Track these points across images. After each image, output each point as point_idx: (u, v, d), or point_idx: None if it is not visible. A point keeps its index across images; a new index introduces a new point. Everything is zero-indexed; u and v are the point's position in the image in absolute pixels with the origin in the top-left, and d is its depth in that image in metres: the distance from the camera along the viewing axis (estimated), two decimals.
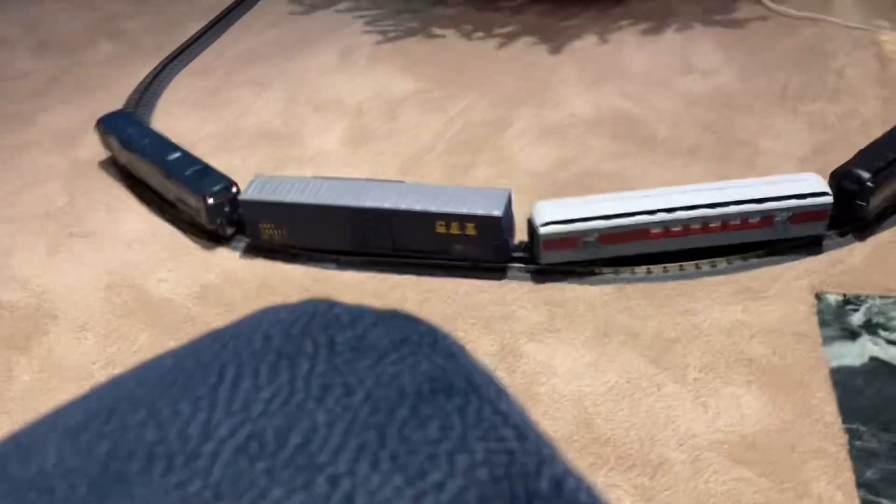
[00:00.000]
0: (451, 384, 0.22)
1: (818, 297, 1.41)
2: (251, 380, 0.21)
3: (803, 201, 1.46)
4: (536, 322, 1.43)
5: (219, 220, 1.65)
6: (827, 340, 1.33)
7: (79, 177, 1.98)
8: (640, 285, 1.48)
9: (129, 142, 1.86)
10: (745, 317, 1.39)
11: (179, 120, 2.19)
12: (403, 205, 1.51)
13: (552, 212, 1.49)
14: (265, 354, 0.22)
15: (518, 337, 1.40)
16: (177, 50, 2.54)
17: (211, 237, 1.70)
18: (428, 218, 1.50)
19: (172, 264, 1.65)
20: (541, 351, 1.37)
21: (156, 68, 2.45)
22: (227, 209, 1.65)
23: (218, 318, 1.50)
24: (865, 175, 1.47)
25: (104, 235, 1.76)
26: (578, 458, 1.18)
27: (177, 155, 1.77)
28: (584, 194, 1.73)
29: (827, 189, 1.48)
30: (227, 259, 1.65)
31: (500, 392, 0.24)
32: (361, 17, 2.67)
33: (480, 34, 2.47)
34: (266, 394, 0.20)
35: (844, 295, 1.41)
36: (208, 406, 0.20)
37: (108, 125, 1.96)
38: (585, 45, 2.34)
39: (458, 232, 1.50)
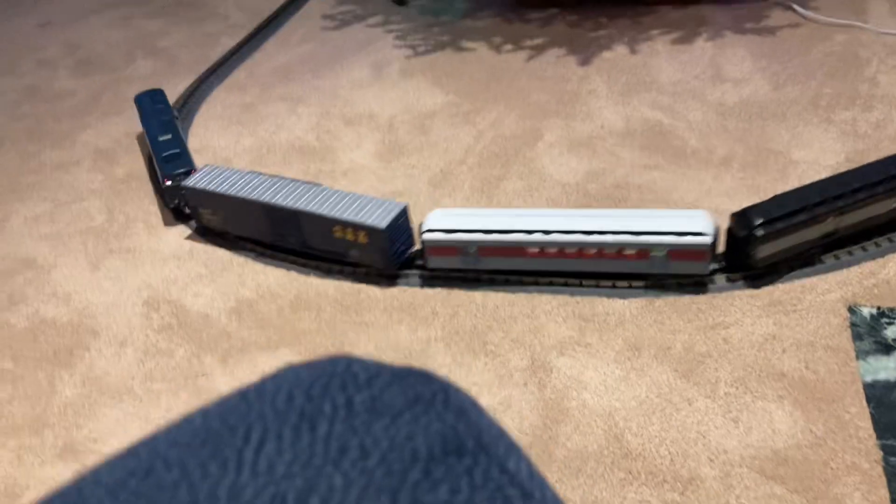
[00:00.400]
0: (461, 444, 0.24)
1: (851, 309, 1.40)
2: (275, 442, 0.23)
3: (679, 239, 1.44)
4: (566, 336, 1.44)
5: (176, 201, 1.85)
6: (861, 354, 1.32)
7: (117, 194, 2.03)
8: (670, 299, 1.48)
9: (147, 121, 2.06)
10: (777, 330, 1.38)
11: (216, 135, 2.23)
12: (310, 207, 1.60)
13: (440, 221, 1.56)
14: (288, 416, 0.24)
15: (548, 351, 1.41)
16: (213, 66, 2.60)
17: (175, 215, 1.89)
18: (328, 222, 1.59)
19: (209, 279, 1.69)
20: (571, 365, 1.38)
21: (193, 84, 2.50)
22: (183, 192, 1.80)
23: (253, 334, 1.53)
24: (757, 221, 1.42)
25: (142, 251, 1.80)
26: (609, 473, 1.19)
27: (167, 136, 1.95)
28: (616, 206, 1.74)
29: (709, 230, 1.44)
30: (262, 273, 1.68)
31: (510, 449, 0.26)
32: (392, 31, 2.70)
33: (510, 46, 2.48)
34: (288, 456, 0.22)
35: (878, 307, 1.40)
36: (235, 468, 0.22)
37: (140, 102, 2.18)
38: (615, 56, 2.34)
39: (353, 238, 1.58)
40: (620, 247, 1.47)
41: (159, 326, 1.59)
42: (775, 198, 1.47)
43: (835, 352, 1.33)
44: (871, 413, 1.22)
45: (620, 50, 2.37)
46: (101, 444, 1.35)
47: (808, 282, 1.47)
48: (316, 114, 2.27)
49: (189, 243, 1.81)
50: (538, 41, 2.50)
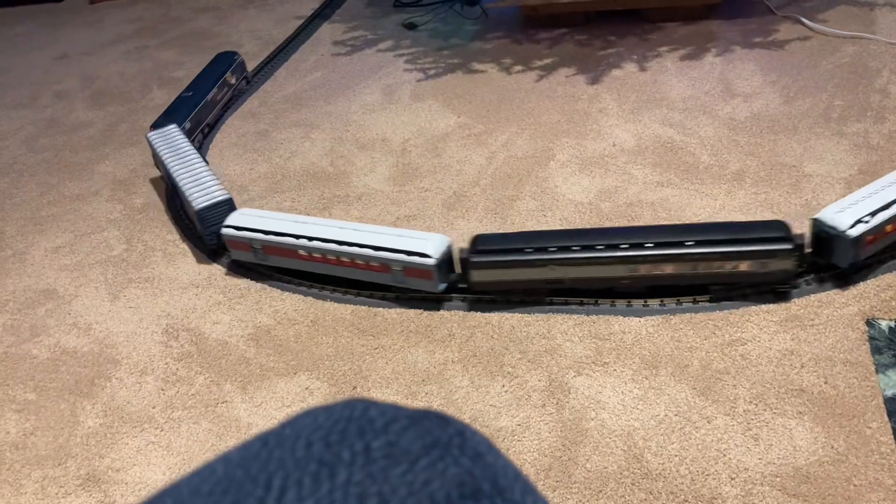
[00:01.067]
0: (478, 488, 0.24)
1: (869, 323, 1.39)
2: (295, 491, 0.24)
3: (408, 258, 1.57)
4: (583, 355, 1.44)
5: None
6: (880, 368, 1.31)
7: (135, 223, 2.06)
8: (686, 315, 1.48)
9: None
10: (795, 345, 1.37)
11: (231, 163, 2.26)
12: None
13: (241, 219, 1.76)
14: (307, 463, 0.25)
15: (566, 371, 1.41)
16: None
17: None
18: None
19: (227, 307, 1.70)
20: (589, 385, 1.38)
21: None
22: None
23: (271, 360, 1.54)
24: (477, 247, 1.56)
25: (161, 280, 1.82)
26: (629, 494, 1.19)
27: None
28: (630, 225, 1.75)
29: (436, 253, 1.56)
30: (279, 299, 1.70)
31: (526, 491, 0.26)
32: (402, 55, 2.73)
33: (519, 67, 2.50)
34: None
35: None
36: None
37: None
38: (625, 74, 2.35)
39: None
40: (366, 259, 1.62)
41: (179, 355, 1.60)
42: (520, 234, 1.61)
43: (854, 366, 1.32)
44: (892, 428, 1.22)
45: (630, 68, 2.39)
46: (123, 473, 1.37)
47: (824, 296, 1.46)
48: (329, 139, 2.30)
49: (207, 271, 1.83)
50: (547, 61, 2.52)
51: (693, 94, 2.20)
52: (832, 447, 1.20)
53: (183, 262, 1.88)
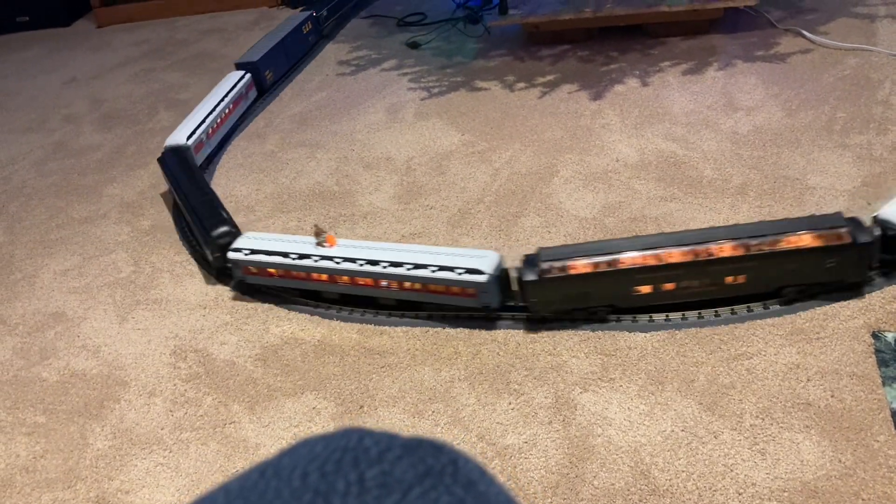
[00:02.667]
0: None
1: (875, 335, 1.39)
2: None
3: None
4: (589, 371, 1.44)
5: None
6: (887, 380, 1.31)
7: (143, 245, 2.08)
8: (692, 330, 1.48)
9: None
10: (801, 359, 1.37)
11: (238, 183, 2.28)
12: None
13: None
14: (303, 493, 0.25)
15: (572, 388, 1.42)
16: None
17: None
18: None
19: (234, 327, 1.71)
20: (595, 401, 1.38)
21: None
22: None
23: (278, 380, 1.55)
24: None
25: (169, 302, 1.84)
26: None
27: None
28: None
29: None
30: (285, 319, 1.71)
31: None
32: (406, 74, 2.75)
33: (522, 84, 2.52)
34: None
35: None
36: None
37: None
38: (627, 89, 2.37)
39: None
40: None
41: (187, 376, 1.61)
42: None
43: (860, 379, 1.32)
44: None
45: (632, 83, 2.40)
46: (132, 495, 1.37)
47: (829, 308, 1.46)
48: (335, 159, 2.32)
49: (214, 292, 1.84)
50: (550, 78, 2.53)
51: (695, 108, 2.21)
52: (840, 461, 1.20)
53: (190, 283, 1.89)
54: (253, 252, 1.73)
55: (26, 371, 1.71)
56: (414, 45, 2.99)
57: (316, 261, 1.67)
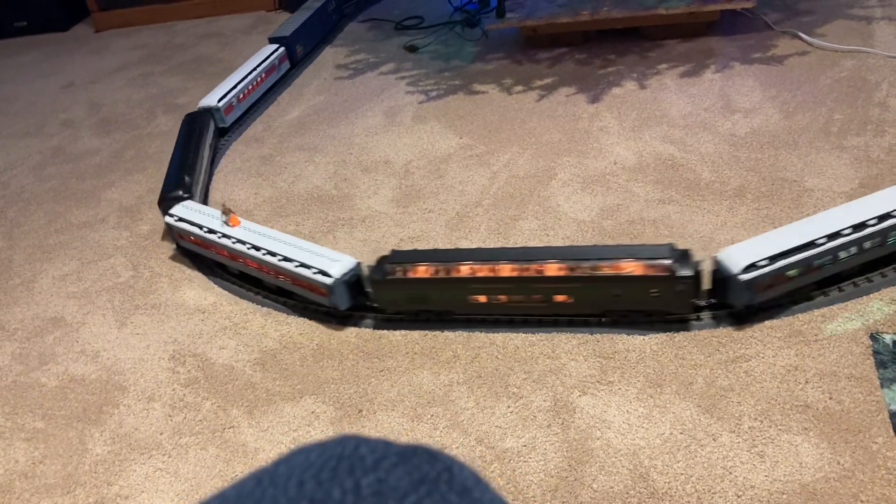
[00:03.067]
0: None
1: (873, 337, 1.40)
2: None
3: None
4: (588, 374, 1.44)
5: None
6: (885, 382, 1.31)
7: (142, 250, 2.08)
8: (690, 333, 1.48)
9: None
10: (799, 361, 1.38)
11: (236, 188, 2.28)
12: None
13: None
14: (299, 502, 0.25)
15: (570, 391, 1.42)
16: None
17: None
18: None
19: (233, 332, 1.71)
20: (594, 404, 1.38)
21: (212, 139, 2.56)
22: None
23: (277, 384, 1.55)
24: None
25: (168, 306, 1.84)
26: None
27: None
28: (630, 242, 1.76)
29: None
30: (284, 323, 1.71)
31: None
32: (404, 78, 2.76)
33: (520, 88, 2.52)
34: None
35: None
36: None
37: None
38: (624, 92, 2.37)
39: None
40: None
41: (186, 380, 1.61)
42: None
43: (858, 381, 1.32)
44: None
45: (629, 86, 2.40)
46: (131, 500, 1.37)
47: (827, 310, 1.46)
48: (333, 162, 2.32)
49: (213, 297, 1.84)
50: (548, 81, 2.53)
51: (693, 110, 2.21)
52: (838, 463, 1.20)
53: (189, 287, 1.89)
54: (180, 220, 1.91)
55: (25, 376, 1.71)
56: (412, 49, 2.99)
57: (219, 237, 1.79)
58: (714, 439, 1.27)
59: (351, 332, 1.65)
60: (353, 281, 1.64)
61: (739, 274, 1.41)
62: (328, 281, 1.60)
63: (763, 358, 1.40)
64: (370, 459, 0.27)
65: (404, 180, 2.16)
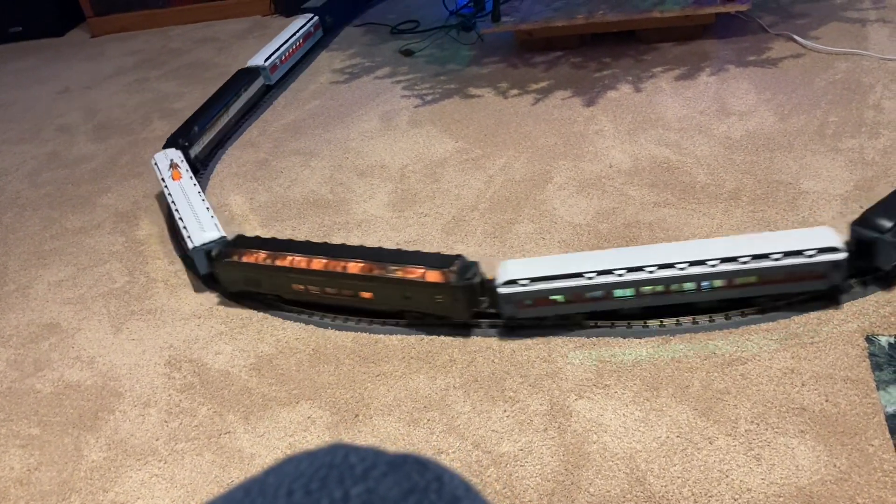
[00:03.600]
0: None
1: (869, 339, 1.40)
2: None
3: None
4: (584, 378, 1.44)
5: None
6: (881, 384, 1.31)
7: (138, 255, 2.07)
8: (686, 336, 1.48)
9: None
10: (795, 363, 1.38)
11: (232, 193, 2.28)
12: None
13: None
14: None
15: (567, 394, 1.42)
16: (227, 126, 2.65)
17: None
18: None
19: (229, 337, 1.71)
20: (590, 408, 1.38)
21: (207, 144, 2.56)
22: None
23: (273, 389, 1.55)
24: None
25: (164, 312, 1.83)
26: None
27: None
28: (626, 245, 1.76)
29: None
30: (280, 328, 1.71)
31: None
32: (400, 82, 2.76)
33: (516, 91, 2.53)
34: None
35: None
36: None
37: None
38: (620, 95, 2.37)
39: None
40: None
41: (182, 386, 1.61)
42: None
43: (855, 383, 1.32)
44: (894, 444, 1.21)
45: (625, 89, 2.40)
46: None
47: (823, 313, 1.47)
48: (329, 167, 2.32)
49: (208, 302, 1.84)
50: (543, 84, 2.54)
51: (688, 113, 2.21)
52: (835, 466, 1.20)
53: (184, 293, 1.89)
54: (155, 164, 2.17)
55: (20, 383, 1.71)
56: (407, 53, 2.99)
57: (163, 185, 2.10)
58: (710, 442, 1.27)
59: (347, 336, 1.65)
60: (211, 252, 1.79)
61: (499, 287, 1.52)
62: (190, 245, 1.80)
63: (759, 361, 1.40)
64: (360, 468, 0.27)
65: (400, 184, 2.16)
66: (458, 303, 1.55)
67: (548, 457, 1.30)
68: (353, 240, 1.96)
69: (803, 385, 1.34)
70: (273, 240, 1.82)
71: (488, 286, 1.55)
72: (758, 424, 1.29)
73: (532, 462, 1.30)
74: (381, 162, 2.29)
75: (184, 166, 2.15)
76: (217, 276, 1.82)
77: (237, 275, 1.77)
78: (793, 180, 1.85)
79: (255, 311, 1.77)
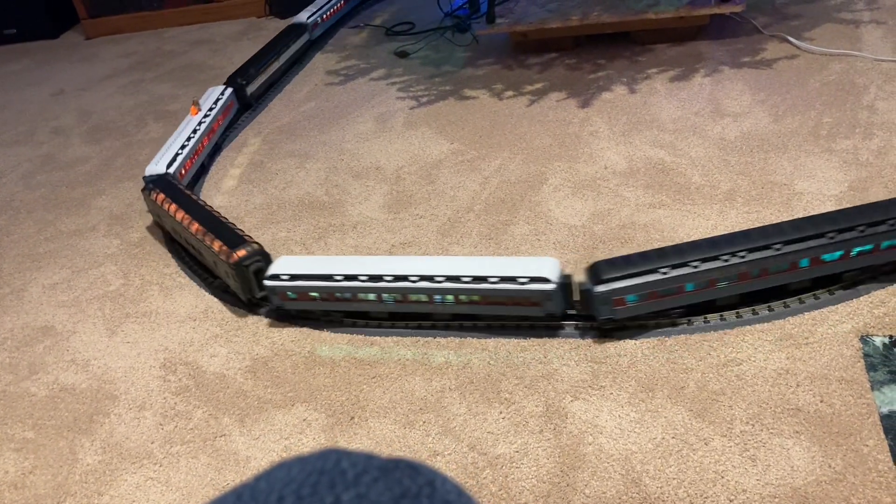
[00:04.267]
0: None
1: (864, 339, 1.40)
2: None
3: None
4: (580, 379, 1.44)
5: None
6: (875, 385, 1.32)
7: (132, 258, 2.07)
8: (682, 337, 1.48)
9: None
10: (790, 364, 1.38)
11: (226, 194, 2.27)
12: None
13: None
14: None
15: (562, 396, 1.42)
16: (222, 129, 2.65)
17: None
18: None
19: (224, 340, 1.71)
20: (586, 409, 1.38)
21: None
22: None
23: (269, 392, 1.54)
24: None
25: (159, 314, 1.83)
26: None
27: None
28: (620, 247, 1.76)
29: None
30: (275, 331, 1.70)
31: None
32: (395, 83, 2.76)
33: (511, 93, 2.53)
34: None
35: (891, 336, 1.40)
36: None
37: None
38: (615, 97, 2.37)
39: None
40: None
41: (177, 389, 1.61)
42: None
43: (849, 384, 1.32)
44: (889, 445, 1.22)
45: (620, 90, 2.41)
46: None
47: (818, 314, 1.47)
48: (324, 168, 2.31)
49: (204, 304, 1.83)
50: (538, 86, 2.54)
51: (683, 114, 2.22)
52: (829, 466, 1.20)
53: (180, 295, 1.88)
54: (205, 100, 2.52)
55: (15, 386, 1.70)
56: (402, 55, 2.99)
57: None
58: (706, 443, 1.27)
59: (343, 338, 1.65)
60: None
61: (266, 279, 1.67)
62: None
63: (754, 361, 1.40)
64: (351, 474, 0.27)
65: (395, 186, 2.16)
66: (239, 283, 1.71)
67: (543, 458, 1.30)
68: (349, 241, 1.96)
69: (798, 386, 1.34)
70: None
71: (262, 277, 1.69)
72: (753, 425, 1.29)
73: (528, 464, 1.30)
74: (377, 163, 2.29)
75: (205, 106, 2.51)
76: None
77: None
78: (787, 181, 1.86)
79: (251, 314, 1.77)
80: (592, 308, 1.49)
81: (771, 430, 1.27)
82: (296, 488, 0.26)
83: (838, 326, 1.44)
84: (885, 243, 1.46)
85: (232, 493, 0.27)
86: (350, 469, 0.27)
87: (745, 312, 1.50)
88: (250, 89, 2.76)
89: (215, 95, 2.60)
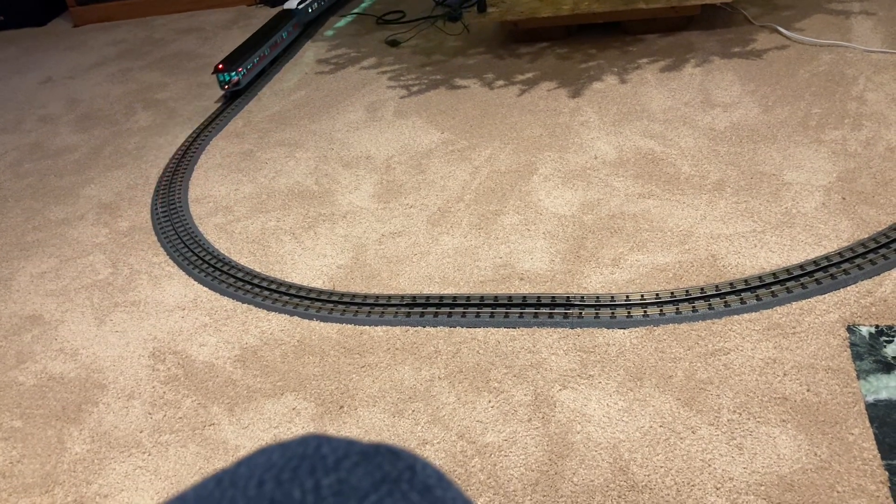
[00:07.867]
0: None
1: (850, 329, 1.41)
2: None
3: None
4: (568, 369, 1.45)
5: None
6: (861, 374, 1.32)
7: (121, 247, 2.06)
8: (670, 326, 1.49)
9: None
10: (777, 353, 1.39)
11: (216, 184, 2.27)
12: None
13: None
14: (259, 503, 0.25)
15: (551, 385, 1.42)
16: (211, 116, 2.64)
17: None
18: None
19: (213, 329, 1.71)
20: (574, 398, 1.38)
21: (191, 135, 2.54)
22: None
23: (258, 381, 1.54)
24: None
25: (147, 303, 1.82)
26: None
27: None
28: (610, 237, 1.76)
29: None
30: (265, 320, 1.70)
31: None
32: (385, 72, 2.75)
33: (502, 82, 2.52)
34: None
35: (877, 326, 1.41)
36: None
37: None
38: (605, 87, 2.37)
39: None
40: None
41: (166, 378, 1.60)
42: None
43: (836, 373, 1.33)
44: (874, 433, 1.23)
45: (610, 80, 2.41)
46: (111, 499, 1.36)
47: (805, 303, 1.48)
48: (314, 158, 2.31)
49: (193, 294, 1.83)
50: (529, 75, 2.54)
51: (673, 105, 2.22)
52: (815, 454, 1.21)
53: (168, 284, 1.88)
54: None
55: (2, 375, 1.69)
56: (393, 44, 2.98)
57: None
58: (693, 432, 1.28)
59: (332, 327, 1.65)
60: None
61: None
62: None
63: (742, 351, 1.41)
64: (331, 459, 0.27)
65: (385, 175, 2.16)
66: None
67: (532, 447, 1.31)
68: (339, 231, 1.96)
69: (785, 375, 1.35)
70: None
71: None
72: (740, 414, 1.29)
73: (516, 452, 1.31)
74: (367, 153, 2.28)
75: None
76: None
77: None
78: (776, 171, 1.86)
79: (240, 303, 1.77)
80: None
81: (758, 419, 1.28)
82: (276, 473, 0.26)
83: (825, 316, 1.44)
84: None
85: (212, 479, 0.27)
86: (330, 454, 0.27)
87: (734, 302, 1.50)
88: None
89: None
